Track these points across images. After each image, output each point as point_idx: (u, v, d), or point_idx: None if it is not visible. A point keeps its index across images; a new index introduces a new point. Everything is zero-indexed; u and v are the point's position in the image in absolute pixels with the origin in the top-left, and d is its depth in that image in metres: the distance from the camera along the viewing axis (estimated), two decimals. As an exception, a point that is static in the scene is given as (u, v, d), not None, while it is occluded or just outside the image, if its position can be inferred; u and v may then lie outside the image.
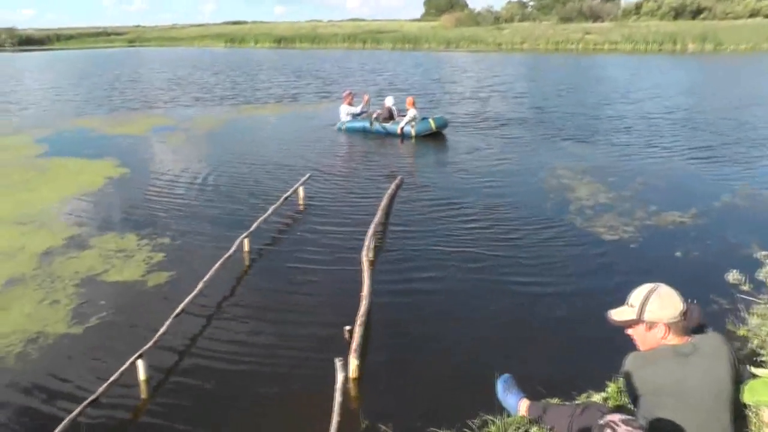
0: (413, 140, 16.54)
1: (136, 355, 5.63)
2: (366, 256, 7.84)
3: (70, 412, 5.01)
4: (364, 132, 17.36)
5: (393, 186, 11.27)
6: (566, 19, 77.86)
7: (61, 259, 8.61)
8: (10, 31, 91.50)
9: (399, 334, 6.49)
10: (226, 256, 7.88)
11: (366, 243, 8.22)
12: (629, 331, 3.49)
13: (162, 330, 6.11)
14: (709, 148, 14.96)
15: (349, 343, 5.91)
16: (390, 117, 17.27)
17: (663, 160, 13.98)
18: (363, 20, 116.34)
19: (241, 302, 7.29)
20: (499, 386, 4.69)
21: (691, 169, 13.15)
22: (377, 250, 8.64)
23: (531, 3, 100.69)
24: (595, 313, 6.94)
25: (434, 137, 16.59)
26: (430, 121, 16.53)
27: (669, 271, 7.79)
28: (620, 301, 3.54)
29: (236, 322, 6.81)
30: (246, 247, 8.58)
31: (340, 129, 17.71)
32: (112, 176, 13.07)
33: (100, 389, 5.29)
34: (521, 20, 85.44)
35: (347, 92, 18.32)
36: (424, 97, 25.18)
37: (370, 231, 8.62)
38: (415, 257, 8.42)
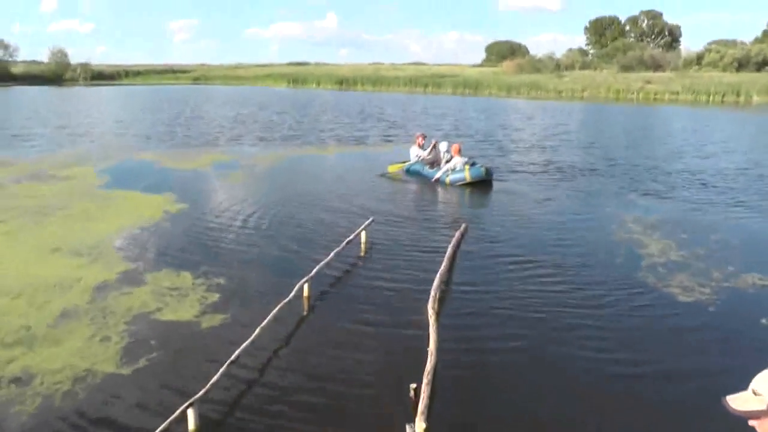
0: (447, 187, 16.26)
1: (186, 404, 5.31)
2: (432, 307, 7.39)
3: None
4: (411, 174, 17.26)
5: (458, 234, 10.86)
6: (627, 68, 77.13)
7: (114, 293, 8.47)
8: (84, 66, 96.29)
9: (467, 394, 6.01)
10: (285, 301, 7.57)
11: (432, 294, 7.79)
12: (753, 423, 2.94)
13: (215, 378, 5.78)
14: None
15: (415, 403, 5.46)
16: (436, 161, 17.21)
17: (740, 217, 13.21)
18: (425, 64, 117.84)
19: (299, 352, 6.92)
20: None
21: (771, 228, 12.36)
22: (442, 302, 8.20)
23: (592, 51, 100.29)
24: (669, 385, 6.31)
25: (487, 185, 16.16)
26: (465, 172, 16.10)
27: (754, 342, 7.18)
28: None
29: (292, 373, 6.44)
30: (306, 293, 8.27)
31: (408, 171, 17.44)
32: (170, 211, 13.07)
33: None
34: (582, 68, 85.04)
35: (419, 134, 18.19)
36: (492, 144, 24.90)
37: (437, 281, 8.20)
38: (482, 312, 7.95)
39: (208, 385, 5.64)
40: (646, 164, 20.37)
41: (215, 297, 8.37)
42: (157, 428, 5.09)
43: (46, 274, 9.19)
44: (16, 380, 6.27)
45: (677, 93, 58.82)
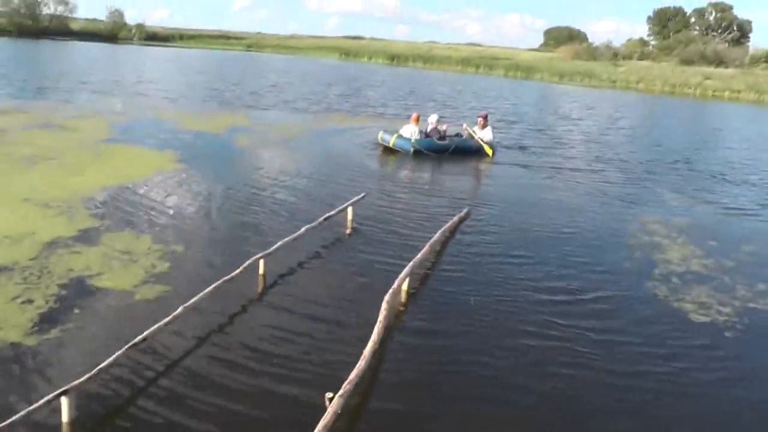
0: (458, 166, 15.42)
1: (59, 390, 4.53)
2: (388, 302, 6.41)
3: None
4: (433, 150, 16.30)
5: (455, 219, 9.84)
6: (687, 62, 73.49)
7: (62, 252, 7.80)
8: (140, 27, 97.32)
9: (393, 421, 5.04)
10: (226, 278, 6.73)
11: (395, 285, 6.82)
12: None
13: (107, 362, 4.99)
14: None
15: (325, 417, 4.54)
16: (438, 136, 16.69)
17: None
18: (480, 45, 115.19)
19: (227, 336, 6.11)
20: None
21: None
22: (412, 296, 7.25)
23: (653, 42, 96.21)
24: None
25: (514, 168, 15.08)
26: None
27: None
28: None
29: (206, 360, 5.62)
30: (261, 270, 7.43)
31: (385, 143, 16.67)
32: (164, 170, 12.42)
33: (3, 424, 4.24)
34: (640, 58, 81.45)
35: (415, 114, 17.37)
36: (532, 127, 23.58)
37: (406, 271, 7.23)
38: (453, 316, 6.91)
39: (95, 371, 4.84)
40: (692, 163, 18.86)
41: (165, 266, 7.60)
42: (20, 419, 4.34)
43: (4, 224, 8.60)
44: None
45: (738, 91, 55.58)
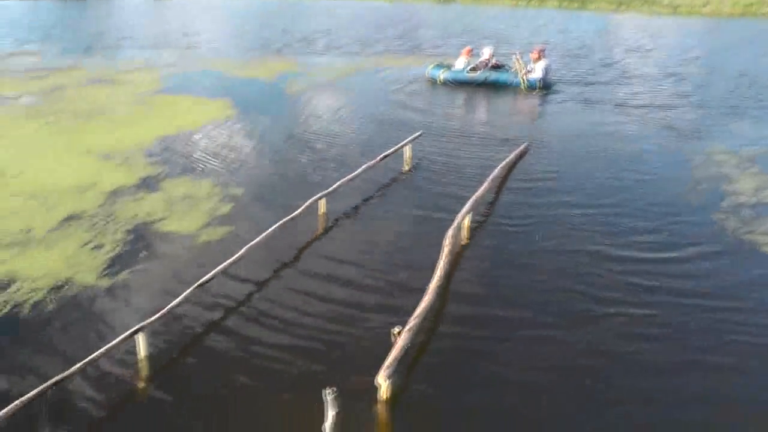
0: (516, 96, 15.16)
1: (134, 328, 4.72)
2: (450, 238, 6.36)
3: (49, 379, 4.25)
4: (460, 83, 16.04)
5: (513, 155, 9.62)
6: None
7: (126, 199, 8.03)
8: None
9: (456, 356, 5.09)
10: (287, 218, 6.81)
11: (456, 221, 6.76)
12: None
13: (177, 301, 5.16)
14: None
15: (391, 350, 4.60)
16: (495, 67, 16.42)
17: None
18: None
19: (290, 275, 6.23)
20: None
21: None
22: (474, 231, 7.18)
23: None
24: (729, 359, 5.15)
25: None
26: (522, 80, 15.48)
27: None
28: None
29: (272, 300, 5.76)
30: (322, 209, 7.47)
31: (434, 79, 16.45)
32: (218, 117, 12.55)
33: (85, 361, 4.45)
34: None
35: (467, 48, 17.01)
36: (610, 67, 22.71)
37: (467, 207, 7.15)
38: (513, 252, 6.86)
39: (165, 310, 5.02)
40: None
41: (227, 209, 7.76)
42: (99, 355, 4.54)
43: (69, 176, 8.90)
44: (-4, 284, 5.97)
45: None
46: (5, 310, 5.54)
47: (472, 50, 16.65)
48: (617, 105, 14.58)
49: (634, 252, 6.81)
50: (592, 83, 17.46)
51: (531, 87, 15.37)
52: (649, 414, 4.45)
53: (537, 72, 15.58)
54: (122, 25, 36.57)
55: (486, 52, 16.66)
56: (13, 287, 5.93)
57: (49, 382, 4.21)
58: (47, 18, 36.49)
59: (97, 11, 46.05)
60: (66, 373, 4.31)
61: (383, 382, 4.29)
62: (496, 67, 16.33)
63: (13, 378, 4.65)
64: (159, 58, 21.26)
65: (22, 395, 4.14)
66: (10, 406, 3.96)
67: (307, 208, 7.17)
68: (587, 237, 7.11)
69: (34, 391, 4.13)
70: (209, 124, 11.94)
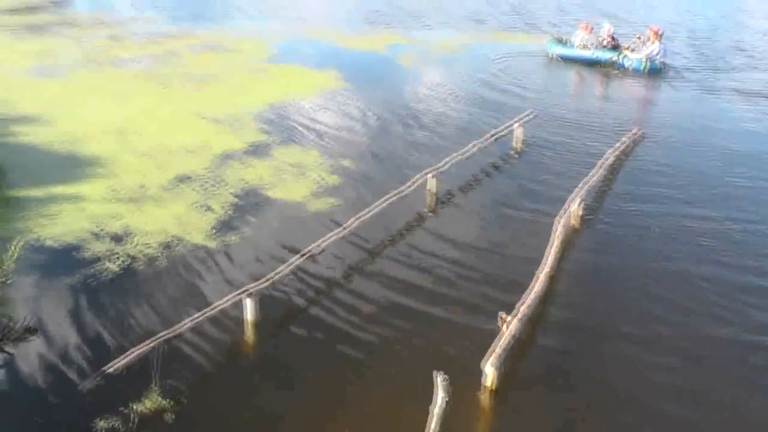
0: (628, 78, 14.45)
1: (242, 290, 4.83)
2: (560, 225, 6.13)
3: (149, 338, 4.41)
4: (576, 60, 15.53)
5: (626, 139, 9.10)
6: None
7: (235, 164, 8.24)
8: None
9: (567, 349, 4.92)
10: (397, 191, 6.78)
11: (565, 209, 6.50)
12: None
13: (285, 268, 5.23)
14: None
15: (500, 337, 4.47)
16: (614, 47, 15.52)
17: None
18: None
19: (396, 252, 6.20)
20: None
21: None
22: (585, 218, 6.87)
23: None
24: None
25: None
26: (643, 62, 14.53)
27: None
28: None
29: (377, 274, 5.74)
30: (431, 187, 7.37)
31: (550, 56, 16.05)
32: (327, 88, 12.66)
33: (195, 318, 4.59)
34: None
35: (584, 24, 16.45)
36: (742, 51, 21.30)
37: (576, 193, 6.89)
38: (628, 242, 6.56)
39: (275, 277, 5.12)
40: None
41: (334, 179, 7.81)
42: (208, 314, 4.67)
43: (181, 137, 9.23)
44: (114, 236, 6.31)
45: None
46: (122, 263, 5.83)
47: (590, 27, 15.99)
48: (746, 94, 13.55)
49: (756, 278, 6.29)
50: (718, 69, 16.29)
51: (651, 70, 14.61)
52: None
53: (653, 53, 14.75)
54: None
55: (604, 30, 15.98)
56: (129, 241, 6.21)
57: (161, 337, 4.36)
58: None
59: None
60: (177, 328, 4.47)
61: (491, 370, 4.18)
62: (614, 47, 15.63)
63: (128, 329, 4.89)
64: (269, 27, 21.69)
65: (134, 346, 4.32)
66: (126, 358, 4.15)
67: (416, 184, 7.08)
68: (710, 248, 6.53)
69: (148, 344, 4.29)
70: (318, 94, 12.07)
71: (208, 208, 6.92)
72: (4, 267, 4.15)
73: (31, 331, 4.77)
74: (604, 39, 15.76)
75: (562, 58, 15.66)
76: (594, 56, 15.41)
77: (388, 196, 6.64)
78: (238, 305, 4.88)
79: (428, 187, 7.36)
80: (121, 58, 14.93)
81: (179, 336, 4.55)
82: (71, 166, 8.03)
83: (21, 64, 13.98)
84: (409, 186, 6.97)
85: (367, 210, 6.33)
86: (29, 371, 4.47)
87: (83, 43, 16.79)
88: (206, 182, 7.61)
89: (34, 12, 23.50)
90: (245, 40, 18.54)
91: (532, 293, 4.99)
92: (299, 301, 5.31)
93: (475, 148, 8.28)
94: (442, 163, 7.66)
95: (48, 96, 11.35)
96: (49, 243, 6.14)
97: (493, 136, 8.76)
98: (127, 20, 21.68)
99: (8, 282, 4.51)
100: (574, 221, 6.71)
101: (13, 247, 5.23)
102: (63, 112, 10.25)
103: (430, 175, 7.35)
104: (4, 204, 6.70)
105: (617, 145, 8.80)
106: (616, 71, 14.98)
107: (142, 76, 13.21)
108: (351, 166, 8.33)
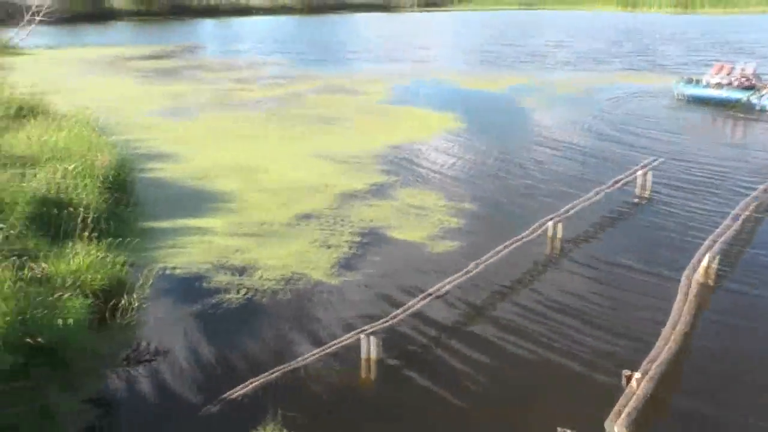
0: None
1: (364, 329, 4.82)
2: (687, 277, 5.73)
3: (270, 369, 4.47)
4: (706, 100, 15.00)
5: (763, 191, 8.38)
6: None
7: (357, 203, 8.36)
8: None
9: (697, 415, 4.52)
10: (517, 239, 6.62)
11: (694, 260, 6.09)
12: None
13: (407, 308, 5.19)
14: None
15: (627, 396, 4.16)
16: (749, 87, 14.72)
17: None
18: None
19: (516, 299, 6.02)
20: None
21: None
22: (717, 273, 6.36)
23: None
24: None
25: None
26: None
27: None
28: None
29: (497, 321, 5.56)
30: (553, 233, 7.15)
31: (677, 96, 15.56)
32: (447, 130, 12.77)
33: (316, 352, 4.60)
34: None
35: (720, 64, 15.83)
36: None
37: (707, 245, 6.46)
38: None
39: (399, 316, 5.10)
40: None
41: (454, 222, 7.74)
42: (329, 349, 4.68)
43: (303, 176, 9.50)
44: (237, 269, 6.51)
45: None
46: (244, 294, 5.99)
47: (726, 67, 15.27)
48: None
49: None
50: None
51: None
52: None
53: None
54: (356, 39, 39.01)
55: (740, 69, 15.16)
56: (251, 274, 6.38)
57: (283, 368, 4.41)
58: (289, 32, 40.09)
59: (333, 26, 49.70)
60: (298, 361, 4.52)
61: (619, 431, 3.87)
62: (750, 87, 14.72)
63: (248, 358, 4.99)
64: (390, 70, 22.24)
65: (254, 374, 4.40)
66: (248, 386, 4.24)
67: (538, 231, 6.88)
68: None
69: (270, 374, 4.39)
70: (438, 136, 12.16)
71: (329, 246, 7.02)
72: (144, 294, 4.36)
73: (158, 353, 4.98)
74: (740, 78, 14.95)
75: (691, 98, 14.98)
76: (726, 96, 14.63)
77: (508, 242, 6.49)
78: (358, 342, 4.85)
79: (549, 234, 7.11)
80: (246, 100, 15.75)
81: (300, 368, 4.58)
82: (199, 201, 8.43)
83: (155, 105, 15.06)
84: (531, 232, 6.78)
85: (488, 255, 6.19)
86: (154, 391, 4.62)
87: (212, 86, 17.88)
88: (328, 220, 7.75)
89: (168, 57, 25.34)
90: (366, 82, 19.07)
91: (664, 353, 4.64)
92: (418, 342, 5.24)
93: (599, 195, 7.97)
94: (564, 209, 7.43)
95: (179, 135, 12.10)
96: (177, 272, 6.43)
97: (617, 182, 8.42)
98: (253, 64, 22.92)
99: (144, 307, 4.71)
100: (706, 277, 6.23)
101: (147, 276, 5.54)
102: (192, 151, 10.87)
103: (551, 221, 7.11)
104: (140, 234, 7.08)
105: (752, 195, 8.15)
106: (753, 113, 14.13)
107: (267, 117, 13.85)
108: (471, 208, 8.25)
